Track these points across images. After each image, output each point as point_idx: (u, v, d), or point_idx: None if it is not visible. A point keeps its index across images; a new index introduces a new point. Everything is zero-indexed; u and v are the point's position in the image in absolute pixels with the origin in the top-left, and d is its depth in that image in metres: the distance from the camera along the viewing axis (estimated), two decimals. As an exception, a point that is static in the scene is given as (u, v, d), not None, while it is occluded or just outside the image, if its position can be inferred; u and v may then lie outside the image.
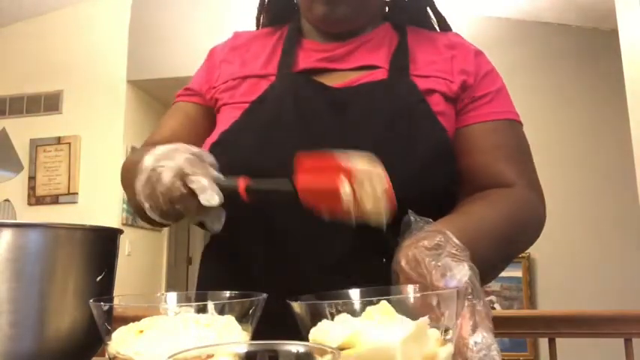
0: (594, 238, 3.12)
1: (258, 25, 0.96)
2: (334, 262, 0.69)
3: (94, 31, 4.10)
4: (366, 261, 0.69)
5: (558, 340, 1.36)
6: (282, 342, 0.35)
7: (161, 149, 0.63)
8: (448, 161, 0.75)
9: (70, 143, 3.98)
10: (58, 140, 4.01)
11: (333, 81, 0.80)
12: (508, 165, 0.77)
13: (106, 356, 0.48)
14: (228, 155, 0.72)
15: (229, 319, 0.48)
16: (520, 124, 0.83)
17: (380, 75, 0.80)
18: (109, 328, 0.47)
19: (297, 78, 0.81)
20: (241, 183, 0.61)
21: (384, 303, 0.44)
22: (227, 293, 0.54)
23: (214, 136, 0.79)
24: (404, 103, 0.76)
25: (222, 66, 0.87)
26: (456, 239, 0.55)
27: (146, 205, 0.63)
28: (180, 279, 5.43)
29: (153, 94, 4.31)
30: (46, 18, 4.15)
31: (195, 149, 0.63)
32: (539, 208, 0.78)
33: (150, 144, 0.85)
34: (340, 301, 0.46)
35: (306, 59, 0.83)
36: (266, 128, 0.76)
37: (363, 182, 0.56)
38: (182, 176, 0.60)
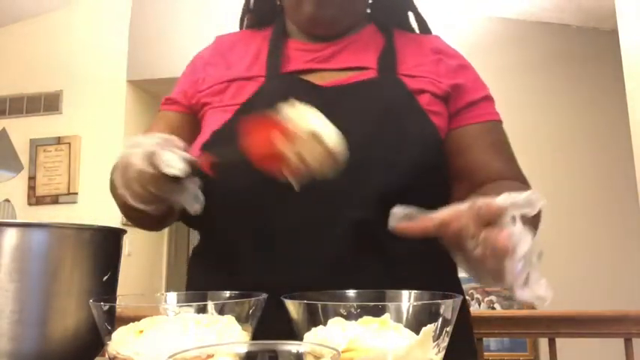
0: (594, 238, 3.12)
1: (241, 27, 0.97)
2: (328, 265, 0.69)
3: (94, 31, 4.10)
4: (361, 263, 0.69)
5: (558, 340, 1.36)
6: (282, 342, 0.35)
7: (132, 140, 0.64)
8: (437, 155, 0.77)
9: (70, 143, 3.98)
10: (58, 140, 4.01)
11: (321, 81, 0.80)
12: (503, 162, 0.82)
13: (106, 356, 0.48)
14: (222, 155, 0.71)
15: (229, 319, 0.48)
16: (502, 123, 0.87)
17: (370, 75, 0.81)
18: (109, 328, 0.47)
19: (286, 78, 0.81)
20: (204, 159, 0.62)
21: (385, 318, 0.43)
22: (227, 293, 0.54)
23: (205, 136, 0.78)
24: (393, 100, 0.78)
25: (206, 69, 0.87)
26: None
27: (126, 195, 0.63)
28: (180, 279, 5.42)
29: (153, 94, 4.31)
30: (46, 18, 4.15)
31: (165, 135, 0.64)
32: None
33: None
34: (336, 303, 0.46)
35: (293, 60, 0.84)
36: None
37: (304, 140, 0.56)
38: (150, 157, 0.60)
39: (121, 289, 0.61)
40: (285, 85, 0.80)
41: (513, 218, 0.51)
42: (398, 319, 0.43)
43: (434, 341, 0.43)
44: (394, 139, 0.74)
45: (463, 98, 0.83)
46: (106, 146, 3.97)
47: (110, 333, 0.47)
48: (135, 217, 0.77)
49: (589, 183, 3.20)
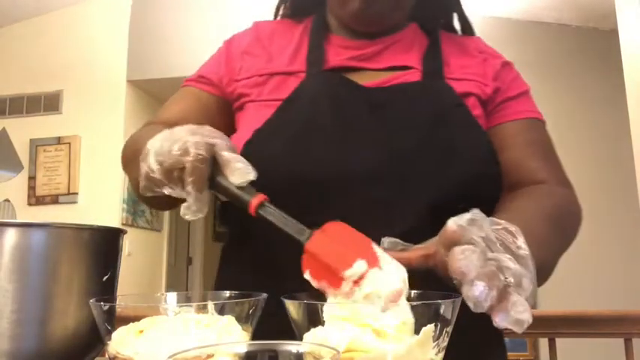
0: (594, 238, 3.12)
1: (276, 15, 0.93)
2: None
3: (94, 31, 4.10)
4: None
5: (558, 340, 1.36)
6: (282, 342, 0.35)
7: (191, 126, 0.58)
8: (494, 166, 0.73)
9: (70, 143, 3.98)
10: (58, 140, 4.01)
11: (364, 79, 0.77)
12: (540, 162, 0.78)
13: (106, 356, 0.48)
14: (263, 154, 0.68)
15: (229, 319, 0.48)
16: (545, 123, 0.84)
17: (413, 76, 0.79)
18: (109, 328, 0.47)
19: (329, 76, 0.78)
20: (257, 199, 0.55)
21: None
22: (227, 293, 0.54)
23: (247, 134, 0.74)
24: (442, 106, 0.75)
25: (244, 58, 0.84)
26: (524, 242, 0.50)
27: (154, 167, 0.55)
28: (180, 279, 5.43)
29: (153, 94, 4.31)
30: (46, 18, 4.15)
31: (221, 133, 0.59)
32: (577, 204, 0.78)
33: (156, 124, 0.79)
34: (335, 303, 0.46)
35: (335, 56, 0.81)
36: (302, 128, 0.72)
37: (373, 286, 0.47)
38: (211, 148, 0.55)
39: (121, 289, 0.61)
40: (328, 83, 0.77)
41: (482, 239, 0.47)
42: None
43: (434, 341, 0.43)
44: (445, 147, 0.70)
45: (500, 95, 0.81)
46: (106, 146, 3.98)
47: (110, 333, 0.47)
48: (146, 199, 0.72)
49: (589, 183, 3.20)
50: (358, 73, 0.79)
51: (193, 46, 3.63)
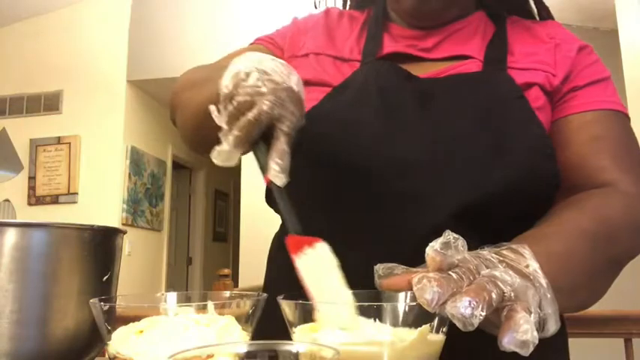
0: (594, 238, 3.12)
1: (344, 6, 0.92)
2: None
3: (94, 31, 4.11)
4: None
5: (558, 340, 1.36)
6: (282, 342, 0.35)
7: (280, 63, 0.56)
8: (548, 162, 0.66)
9: (70, 143, 3.99)
10: (58, 140, 4.01)
11: (420, 71, 0.74)
12: (606, 160, 0.68)
13: (106, 356, 0.48)
14: (308, 140, 0.65)
15: (229, 319, 0.48)
16: (627, 116, 0.74)
17: (473, 67, 0.74)
18: (109, 328, 0.47)
19: (382, 65, 0.75)
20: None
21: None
22: (227, 293, 0.54)
23: None
24: (498, 98, 0.69)
25: (309, 34, 0.83)
26: (534, 261, 0.46)
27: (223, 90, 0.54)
28: (180, 279, 5.43)
29: (153, 94, 4.31)
30: (46, 18, 4.15)
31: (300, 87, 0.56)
32: None
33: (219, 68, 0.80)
34: (331, 303, 0.46)
35: (391, 44, 0.78)
36: (348, 115, 0.70)
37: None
38: (273, 113, 0.53)
39: (121, 289, 0.61)
40: (379, 71, 0.73)
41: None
42: (394, 320, 0.43)
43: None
44: (499, 141, 0.65)
45: (569, 84, 0.73)
46: (106, 146, 3.98)
47: (110, 333, 0.47)
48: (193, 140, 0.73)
49: (589, 183, 3.20)
50: (416, 64, 0.75)
51: (193, 47, 3.63)
